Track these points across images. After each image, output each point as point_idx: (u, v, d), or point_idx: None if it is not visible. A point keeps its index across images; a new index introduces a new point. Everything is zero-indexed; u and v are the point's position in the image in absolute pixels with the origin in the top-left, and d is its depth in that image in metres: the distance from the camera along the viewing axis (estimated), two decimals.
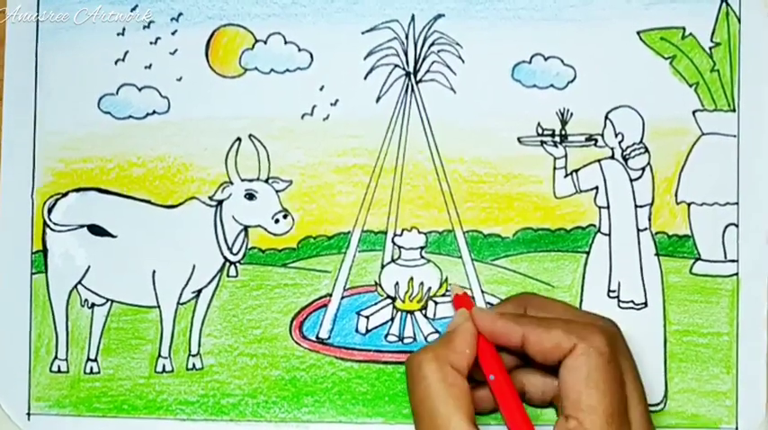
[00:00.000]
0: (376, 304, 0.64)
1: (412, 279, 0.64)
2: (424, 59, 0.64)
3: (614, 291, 0.63)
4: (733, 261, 0.63)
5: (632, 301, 0.63)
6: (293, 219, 0.64)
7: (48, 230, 0.64)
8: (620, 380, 0.51)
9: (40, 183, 0.64)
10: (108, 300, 0.64)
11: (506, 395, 0.52)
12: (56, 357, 0.64)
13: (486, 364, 0.53)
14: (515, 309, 0.56)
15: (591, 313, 0.57)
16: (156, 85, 0.64)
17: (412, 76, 0.64)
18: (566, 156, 0.64)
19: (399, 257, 0.64)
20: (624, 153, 0.64)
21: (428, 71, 0.64)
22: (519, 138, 0.64)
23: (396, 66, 0.64)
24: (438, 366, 0.51)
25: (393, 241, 0.64)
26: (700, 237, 0.63)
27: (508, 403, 0.52)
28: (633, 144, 0.64)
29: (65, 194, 0.64)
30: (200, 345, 0.64)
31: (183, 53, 0.64)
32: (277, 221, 0.64)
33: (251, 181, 0.64)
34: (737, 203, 0.63)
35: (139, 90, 0.64)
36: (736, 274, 0.63)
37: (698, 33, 0.64)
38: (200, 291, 0.64)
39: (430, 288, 0.64)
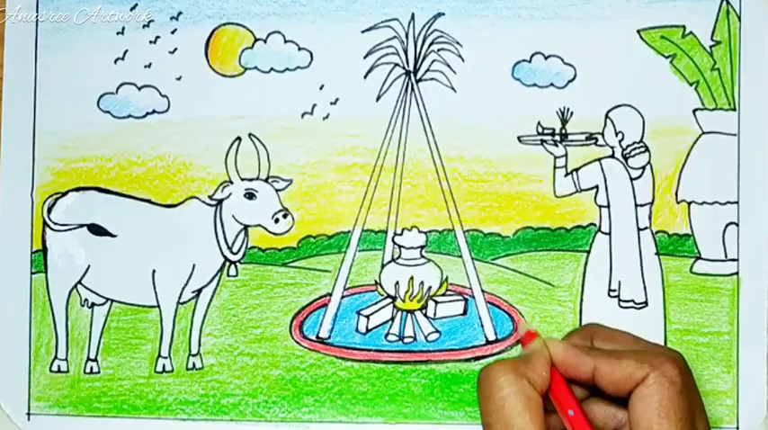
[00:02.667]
0: (376, 303, 0.64)
1: (412, 278, 0.64)
2: (424, 58, 0.64)
3: (615, 291, 0.63)
4: (733, 260, 0.63)
5: (633, 301, 0.63)
6: (293, 219, 0.64)
7: (47, 230, 0.64)
8: (690, 410, 0.51)
9: (39, 183, 0.64)
10: (108, 299, 0.64)
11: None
12: (56, 357, 0.64)
13: (563, 399, 0.53)
14: (582, 341, 0.56)
15: (658, 344, 0.57)
16: (155, 84, 0.64)
17: (412, 75, 0.64)
18: (566, 155, 0.64)
19: (399, 257, 0.64)
20: (624, 152, 0.64)
21: (428, 70, 0.64)
22: (519, 137, 0.64)
23: (396, 65, 0.64)
24: (516, 378, 0.51)
25: (393, 240, 0.64)
26: (700, 236, 0.63)
27: None
28: (633, 143, 0.64)
29: (64, 194, 0.64)
30: (200, 345, 0.64)
31: (182, 52, 0.64)
32: (277, 221, 0.64)
33: (251, 180, 0.64)
34: (738, 202, 0.63)
35: (139, 89, 0.64)
36: (737, 273, 0.63)
37: (698, 32, 0.64)
38: (200, 291, 0.64)
39: (430, 287, 0.64)
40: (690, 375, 0.53)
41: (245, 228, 0.64)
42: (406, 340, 0.64)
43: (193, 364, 0.64)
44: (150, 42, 0.64)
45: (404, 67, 0.64)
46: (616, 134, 0.64)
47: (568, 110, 0.64)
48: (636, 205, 0.64)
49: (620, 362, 0.52)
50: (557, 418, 0.54)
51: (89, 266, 0.64)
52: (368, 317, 0.64)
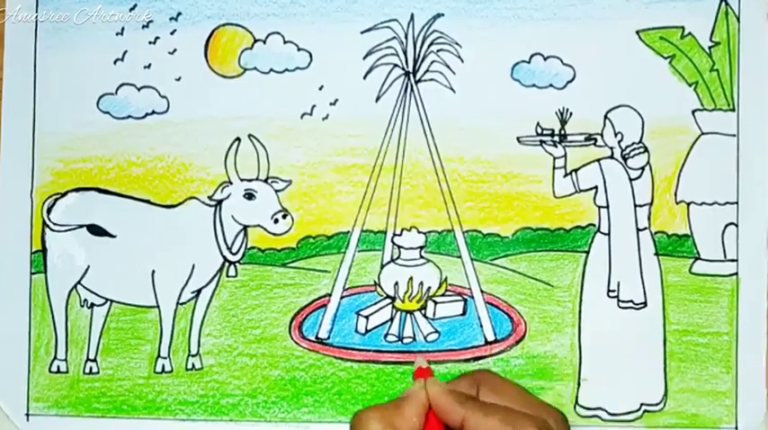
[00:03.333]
0: (375, 304, 0.64)
1: (411, 279, 0.64)
2: (423, 59, 0.64)
3: (614, 291, 0.63)
4: (732, 260, 0.63)
5: (632, 301, 0.63)
6: (292, 219, 0.64)
7: (47, 230, 0.64)
8: None
9: (39, 183, 0.64)
10: (107, 299, 0.64)
11: None
12: (55, 357, 0.64)
13: None
14: (468, 388, 0.56)
15: (542, 403, 0.57)
16: (155, 85, 0.64)
17: (411, 76, 0.64)
18: (565, 155, 0.64)
19: (399, 257, 0.64)
20: (624, 152, 0.64)
21: (427, 71, 0.64)
22: (518, 138, 0.64)
23: (395, 65, 0.64)
24: (381, 427, 0.52)
25: (392, 241, 0.64)
26: (699, 236, 0.63)
27: None
28: (632, 143, 0.64)
29: (64, 194, 0.64)
30: (199, 345, 0.64)
31: (182, 53, 0.64)
32: (276, 221, 0.64)
33: (250, 181, 0.64)
34: (737, 203, 0.63)
35: (138, 90, 0.64)
36: (736, 274, 0.63)
37: (697, 33, 0.64)
38: (199, 291, 0.64)
39: (429, 288, 0.64)
40: None
41: (245, 228, 0.64)
42: (405, 340, 0.64)
43: (193, 365, 0.64)
44: (150, 43, 0.64)
45: (403, 68, 0.64)
46: (615, 135, 0.64)
47: (567, 110, 0.64)
48: (635, 205, 0.64)
49: (487, 420, 0.52)
50: None
51: (89, 267, 0.64)
52: (367, 317, 0.64)
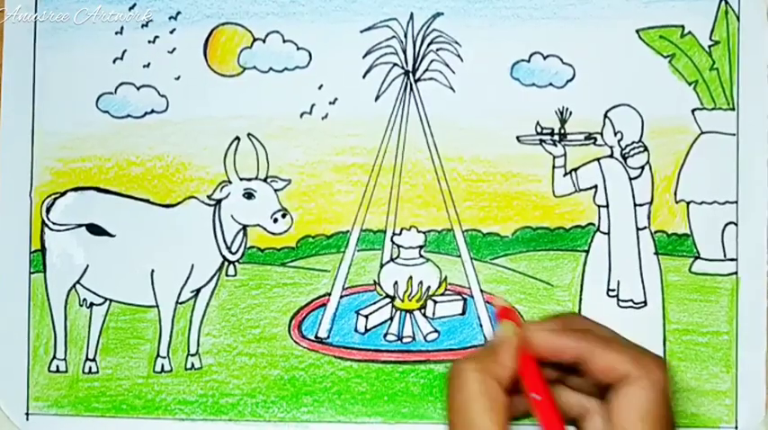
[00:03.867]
0: (375, 303, 0.64)
1: (411, 278, 0.64)
2: (422, 58, 0.64)
3: (613, 290, 0.63)
4: (732, 259, 0.63)
5: (631, 300, 0.63)
6: (292, 219, 0.64)
7: (46, 230, 0.64)
8: (671, 421, 0.50)
9: (38, 183, 0.64)
10: (106, 299, 0.64)
11: (551, 417, 0.51)
12: (54, 357, 0.64)
13: (531, 383, 0.52)
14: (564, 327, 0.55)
15: (639, 346, 0.55)
16: (154, 84, 0.64)
17: (411, 75, 0.64)
18: (565, 154, 0.64)
19: (398, 256, 0.64)
20: (623, 152, 0.64)
21: (427, 70, 0.64)
22: (518, 137, 0.64)
23: (395, 64, 0.64)
24: (481, 377, 0.50)
25: (392, 240, 0.64)
26: (699, 235, 0.63)
27: (552, 426, 0.51)
28: (632, 143, 0.64)
29: (63, 193, 0.64)
30: (198, 345, 0.64)
31: (181, 52, 0.64)
32: (276, 220, 0.64)
33: (249, 180, 0.64)
34: (737, 202, 0.63)
35: (138, 89, 0.64)
36: (736, 273, 0.63)
37: (697, 32, 0.64)
38: (198, 291, 0.64)
39: (429, 287, 0.64)
40: (673, 385, 0.53)
41: (244, 227, 0.64)
42: (404, 340, 0.64)
43: (192, 364, 0.64)
44: (149, 42, 0.64)
45: (403, 67, 0.64)
46: (615, 134, 0.64)
47: (567, 110, 0.64)
48: (635, 205, 0.64)
49: (618, 355, 0.50)
50: (523, 398, 0.53)
51: (88, 266, 0.64)
52: (367, 316, 0.64)
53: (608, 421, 0.50)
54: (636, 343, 0.54)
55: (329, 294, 0.64)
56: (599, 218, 0.64)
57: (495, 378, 0.51)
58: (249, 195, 0.64)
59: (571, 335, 0.52)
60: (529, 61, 0.64)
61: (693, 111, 0.64)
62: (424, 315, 0.64)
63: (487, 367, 0.51)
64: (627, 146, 0.64)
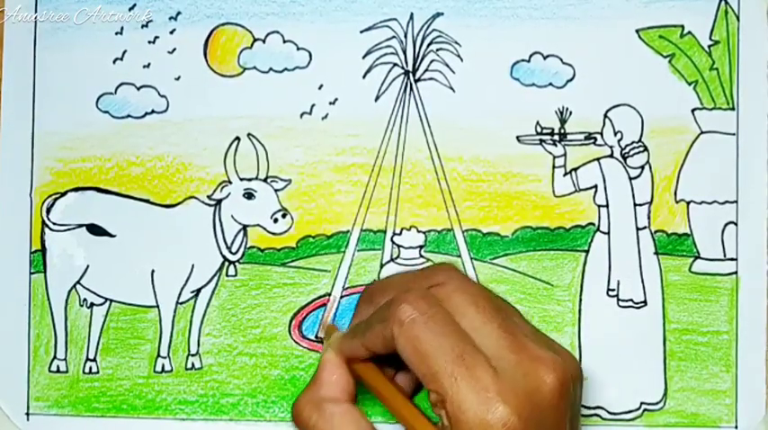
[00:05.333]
0: None
1: None
2: (422, 58, 0.64)
3: (613, 290, 0.63)
4: (732, 259, 0.63)
5: (631, 300, 0.63)
6: (292, 219, 0.64)
7: (46, 230, 0.64)
8: (439, 334, 0.48)
9: (38, 183, 0.64)
10: (107, 299, 0.64)
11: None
12: (55, 357, 0.64)
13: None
14: (365, 308, 0.54)
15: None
16: (154, 84, 0.64)
17: (411, 75, 0.64)
18: (565, 154, 0.64)
19: (399, 256, 0.64)
20: (623, 151, 0.64)
21: (427, 70, 0.64)
22: (518, 137, 0.64)
23: (394, 64, 0.64)
24: (315, 406, 0.52)
25: (392, 240, 0.64)
26: (699, 235, 0.63)
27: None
28: (632, 142, 0.64)
29: (63, 194, 0.64)
30: (199, 345, 0.64)
31: (181, 52, 0.64)
32: (276, 220, 0.64)
33: (250, 180, 0.64)
34: (736, 202, 0.63)
35: (138, 89, 0.64)
36: (736, 273, 0.63)
37: (697, 31, 0.64)
38: (199, 291, 0.64)
39: None
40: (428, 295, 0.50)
41: (244, 227, 0.64)
42: None
43: (192, 364, 0.64)
44: (149, 42, 0.64)
45: (403, 67, 0.64)
46: (615, 134, 0.64)
47: (567, 109, 0.64)
48: (635, 205, 0.64)
49: (373, 329, 0.50)
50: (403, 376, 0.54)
51: (88, 266, 0.64)
52: None
53: None
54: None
55: (330, 294, 0.64)
56: (599, 217, 0.64)
57: (329, 399, 0.52)
58: (249, 195, 0.64)
59: (347, 338, 0.53)
60: (529, 61, 0.64)
61: (693, 110, 0.64)
62: None
63: (317, 395, 0.52)
64: (627, 145, 0.64)
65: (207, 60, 0.64)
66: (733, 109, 0.63)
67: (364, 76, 0.64)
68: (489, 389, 0.46)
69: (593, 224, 0.64)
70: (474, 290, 0.50)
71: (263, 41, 0.64)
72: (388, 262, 0.64)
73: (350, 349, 0.53)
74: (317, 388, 0.53)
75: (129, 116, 0.64)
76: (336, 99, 0.64)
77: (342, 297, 0.64)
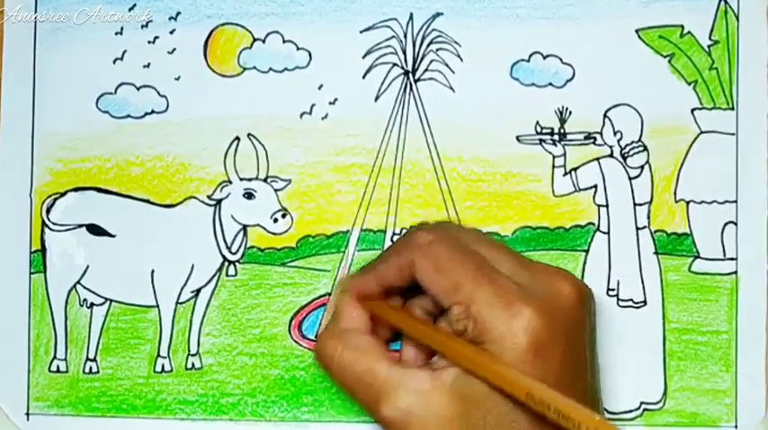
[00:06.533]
0: None
1: None
2: (422, 58, 0.64)
3: (613, 290, 0.63)
4: (732, 259, 0.63)
5: (631, 300, 0.63)
6: (292, 218, 0.64)
7: (46, 230, 0.64)
8: (458, 251, 0.51)
9: (38, 183, 0.64)
10: (107, 299, 0.64)
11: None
12: (55, 357, 0.64)
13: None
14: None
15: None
16: (154, 85, 0.64)
17: (410, 75, 0.64)
18: (564, 154, 0.64)
19: None
20: (623, 151, 0.64)
21: (427, 70, 0.64)
22: (518, 137, 0.64)
23: (394, 64, 0.64)
24: (338, 339, 0.53)
25: (392, 240, 0.64)
26: (699, 235, 0.63)
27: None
28: (632, 142, 0.64)
29: (63, 194, 0.64)
30: (199, 345, 0.64)
31: (181, 52, 0.64)
32: (276, 220, 0.64)
33: (250, 180, 0.64)
34: (736, 201, 0.63)
35: (138, 89, 0.64)
36: (735, 272, 0.63)
37: (696, 31, 0.64)
38: (198, 291, 0.64)
39: None
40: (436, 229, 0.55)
41: (244, 227, 0.64)
42: None
43: (192, 364, 0.64)
44: (149, 42, 0.64)
45: (402, 67, 0.64)
46: (614, 133, 0.64)
47: (567, 109, 0.64)
48: (634, 204, 0.64)
49: (387, 261, 0.52)
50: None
51: (88, 266, 0.64)
52: None
53: None
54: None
55: (329, 294, 0.64)
56: (599, 217, 0.64)
57: (354, 330, 0.53)
58: (249, 195, 0.64)
59: (363, 272, 0.55)
60: (528, 61, 0.64)
61: (693, 110, 0.64)
62: None
63: (337, 330, 0.54)
64: (626, 145, 0.64)
65: (207, 60, 0.64)
66: (732, 109, 0.63)
67: (364, 76, 0.64)
68: (512, 291, 0.49)
69: (593, 224, 0.64)
70: (475, 231, 0.55)
71: (263, 41, 0.64)
72: None
73: (362, 285, 0.55)
74: (337, 323, 0.54)
75: (128, 116, 0.64)
76: (336, 99, 0.64)
77: None
